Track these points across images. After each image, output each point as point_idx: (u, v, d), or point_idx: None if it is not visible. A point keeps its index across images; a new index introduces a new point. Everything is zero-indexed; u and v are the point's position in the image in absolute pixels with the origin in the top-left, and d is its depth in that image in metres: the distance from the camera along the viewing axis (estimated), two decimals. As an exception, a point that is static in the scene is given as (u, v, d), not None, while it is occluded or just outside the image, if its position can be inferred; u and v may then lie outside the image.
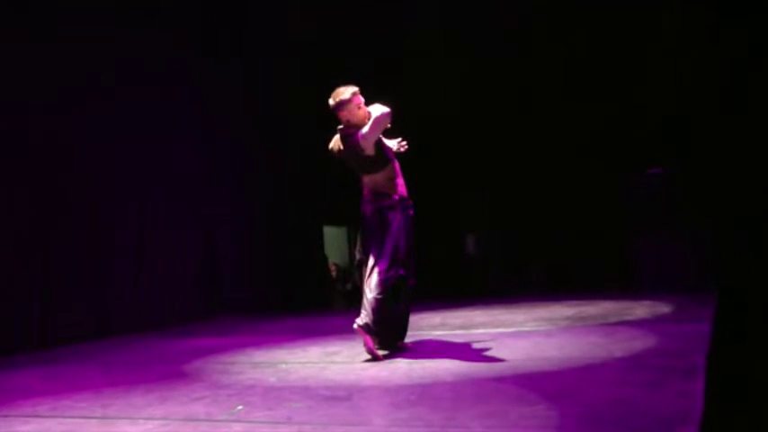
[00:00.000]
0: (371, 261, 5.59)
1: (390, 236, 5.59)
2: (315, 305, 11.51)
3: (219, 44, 10.63)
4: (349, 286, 13.88)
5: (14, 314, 7.58)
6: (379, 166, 5.67)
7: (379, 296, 5.43)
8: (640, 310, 7.37)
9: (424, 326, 7.22)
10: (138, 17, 9.20)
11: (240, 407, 4.09)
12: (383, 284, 5.46)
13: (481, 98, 11.87)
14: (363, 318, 5.44)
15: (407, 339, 5.91)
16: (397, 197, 5.69)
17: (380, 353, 5.49)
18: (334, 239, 14.38)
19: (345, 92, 5.62)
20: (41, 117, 8.06)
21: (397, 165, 5.82)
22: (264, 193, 11.47)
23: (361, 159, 5.66)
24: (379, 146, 5.64)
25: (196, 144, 10.26)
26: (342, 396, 4.19)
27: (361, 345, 5.50)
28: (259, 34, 11.13)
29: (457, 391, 4.11)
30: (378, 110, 5.56)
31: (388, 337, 5.69)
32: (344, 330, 6.08)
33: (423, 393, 4.12)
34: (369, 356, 5.39)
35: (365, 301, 5.50)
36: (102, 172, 8.74)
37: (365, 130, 5.53)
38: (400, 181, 5.79)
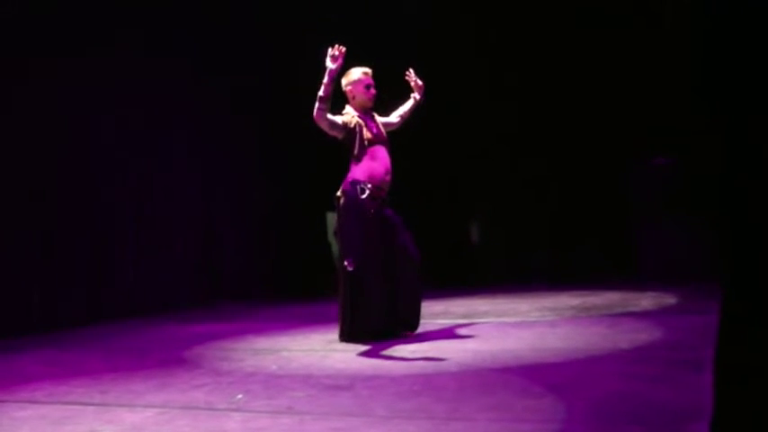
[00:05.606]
0: None
1: (341, 227, 5.71)
2: (316, 292, 11.46)
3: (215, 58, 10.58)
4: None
5: (15, 298, 7.55)
6: (346, 149, 5.70)
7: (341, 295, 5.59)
8: (645, 301, 7.31)
9: (427, 314, 7.14)
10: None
11: (240, 395, 4.04)
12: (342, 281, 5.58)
13: (486, 84, 11.77)
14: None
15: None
16: (349, 183, 5.67)
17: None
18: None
19: (357, 71, 5.68)
20: (55, 120, 8.11)
21: (374, 151, 5.72)
22: (266, 181, 11.41)
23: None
24: (337, 129, 5.66)
25: (195, 142, 10.25)
26: (344, 385, 4.14)
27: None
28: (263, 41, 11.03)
29: (461, 382, 4.05)
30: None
31: (363, 332, 5.63)
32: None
33: (426, 383, 4.06)
34: (370, 345, 5.36)
35: None
36: (104, 165, 8.78)
37: None
38: (363, 166, 5.71)
